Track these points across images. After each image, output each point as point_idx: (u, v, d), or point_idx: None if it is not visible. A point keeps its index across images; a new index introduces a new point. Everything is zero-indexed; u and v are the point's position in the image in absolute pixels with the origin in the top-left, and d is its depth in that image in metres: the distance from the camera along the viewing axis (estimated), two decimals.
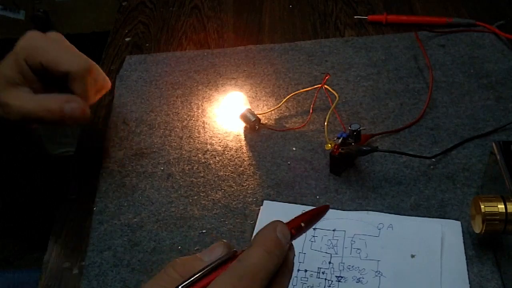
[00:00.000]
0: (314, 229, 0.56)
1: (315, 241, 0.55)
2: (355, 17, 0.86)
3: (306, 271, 0.52)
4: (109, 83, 0.63)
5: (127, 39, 0.87)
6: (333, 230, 0.55)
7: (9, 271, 0.82)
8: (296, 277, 0.52)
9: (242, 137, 0.68)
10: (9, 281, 0.79)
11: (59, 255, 0.58)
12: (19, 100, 0.56)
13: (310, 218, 0.40)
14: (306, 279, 0.52)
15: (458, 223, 0.55)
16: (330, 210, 0.57)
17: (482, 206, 0.49)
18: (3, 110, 0.56)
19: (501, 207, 0.48)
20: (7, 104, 0.55)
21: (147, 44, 0.86)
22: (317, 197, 0.60)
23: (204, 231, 0.58)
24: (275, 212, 0.58)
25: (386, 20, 0.83)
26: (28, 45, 0.56)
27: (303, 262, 0.53)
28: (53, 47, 0.56)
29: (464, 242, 0.54)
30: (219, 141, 0.68)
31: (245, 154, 0.65)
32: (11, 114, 0.55)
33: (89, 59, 0.58)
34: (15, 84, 0.56)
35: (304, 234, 0.55)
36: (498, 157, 0.52)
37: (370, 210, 0.58)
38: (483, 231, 0.49)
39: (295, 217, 0.40)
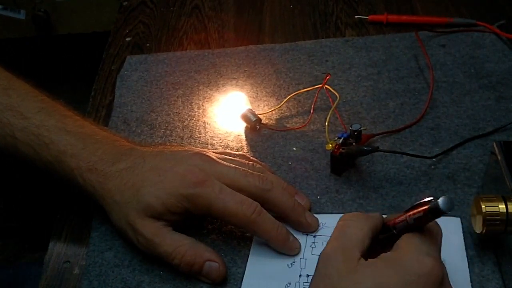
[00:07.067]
0: (314, 236, 0.55)
1: (315, 247, 0.54)
2: (356, 17, 0.86)
3: (308, 276, 0.52)
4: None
5: (127, 39, 0.87)
6: None
7: (9, 268, 0.82)
8: (298, 282, 0.51)
9: (243, 137, 0.68)
10: (10, 277, 0.79)
11: (59, 255, 0.58)
12: (158, 237, 0.52)
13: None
14: (308, 283, 0.51)
15: (458, 219, 0.55)
16: (329, 216, 0.57)
17: (483, 206, 0.49)
18: (137, 239, 0.53)
19: (502, 207, 0.48)
20: (145, 237, 0.52)
21: (148, 44, 0.86)
22: (318, 197, 0.60)
23: (204, 231, 0.58)
24: None
25: (386, 20, 0.83)
26: (202, 196, 0.52)
27: (304, 268, 0.53)
28: (224, 198, 0.52)
29: (464, 242, 0.54)
30: (220, 141, 0.68)
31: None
32: (142, 245, 0.53)
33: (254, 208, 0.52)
34: (157, 218, 0.53)
35: (304, 241, 0.55)
36: (499, 157, 0.51)
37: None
38: (484, 231, 0.49)
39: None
